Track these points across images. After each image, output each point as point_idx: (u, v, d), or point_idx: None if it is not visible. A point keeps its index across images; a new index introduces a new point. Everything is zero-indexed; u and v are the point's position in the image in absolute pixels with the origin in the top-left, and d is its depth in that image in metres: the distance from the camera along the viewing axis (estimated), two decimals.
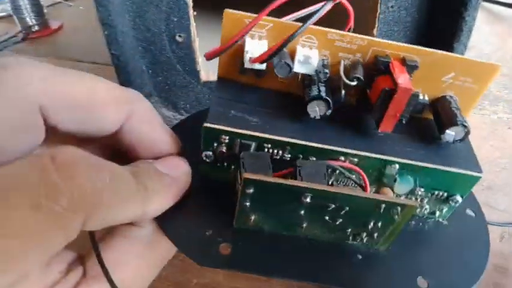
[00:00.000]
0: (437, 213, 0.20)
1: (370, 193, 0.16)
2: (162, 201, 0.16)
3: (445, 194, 0.19)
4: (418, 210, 0.20)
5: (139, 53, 0.30)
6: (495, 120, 0.40)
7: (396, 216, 0.15)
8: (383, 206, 0.15)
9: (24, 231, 0.12)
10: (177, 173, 0.17)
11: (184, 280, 0.24)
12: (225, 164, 0.19)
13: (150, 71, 0.31)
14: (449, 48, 0.29)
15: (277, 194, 0.16)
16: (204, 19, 0.33)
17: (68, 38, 0.53)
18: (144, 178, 0.16)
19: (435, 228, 0.20)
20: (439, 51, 0.17)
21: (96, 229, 0.14)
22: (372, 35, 0.28)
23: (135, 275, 0.17)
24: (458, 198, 0.19)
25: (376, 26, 0.26)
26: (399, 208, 0.15)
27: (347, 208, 0.16)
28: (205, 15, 0.34)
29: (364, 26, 0.18)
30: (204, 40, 0.31)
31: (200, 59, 0.31)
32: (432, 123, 0.19)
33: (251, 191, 0.15)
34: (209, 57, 0.19)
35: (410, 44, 0.18)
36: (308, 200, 0.15)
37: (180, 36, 0.30)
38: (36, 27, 0.52)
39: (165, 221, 0.17)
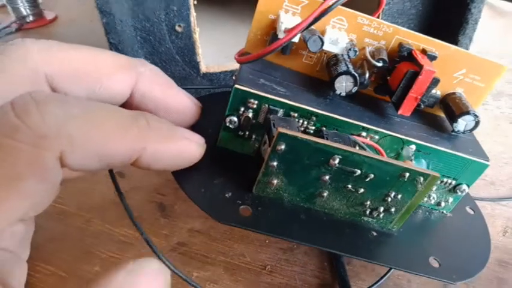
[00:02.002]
0: (443, 204, 0.21)
1: (397, 161, 0.16)
2: (166, 142, 0.15)
3: (453, 182, 0.20)
4: (425, 199, 0.21)
5: (138, 43, 0.30)
6: (498, 115, 0.40)
7: (420, 185, 0.16)
8: (408, 174, 0.16)
9: None
10: (189, 134, 0.17)
11: (185, 273, 0.23)
12: (247, 133, 0.19)
13: (149, 61, 0.31)
14: (454, 41, 0.30)
15: (307, 154, 0.16)
16: (204, 9, 0.33)
17: (63, 29, 0.52)
18: (150, 118, 0.15)
19: (440, 219, 0.21)
20: (453, 46, 0.19)
21: (89, 166, 0.13)
22: None
23: None
24: (465, 187, 0.20)
25: (381, 18, 0.28)
26: (422, 178, 0.16)
27: (372, 176, 0.16)
28: (206, 5, 0.34)
29: None
30: (204, 31, 0.31)
31: (200, 50, 0.31)
32: (442, 119, 0.21)
33: (282, 147, 0.15)
34: (243, 61, 0.19)
35: None
36: (337, 162, 0.16)
37: (179, 26, 0.30)
38: (31, 18, 0.51)
39: (184, 181, 0.17)
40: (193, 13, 0.30)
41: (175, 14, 0.30)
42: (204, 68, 0.33)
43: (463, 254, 0.19)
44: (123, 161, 0.14)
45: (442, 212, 0.21)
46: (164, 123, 0.16)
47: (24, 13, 0.51)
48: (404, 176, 0.16)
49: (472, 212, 0.22)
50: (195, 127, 0.19)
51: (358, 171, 0.16)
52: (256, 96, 0.17)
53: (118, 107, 0.15)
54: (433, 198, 0.20)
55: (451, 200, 0.21)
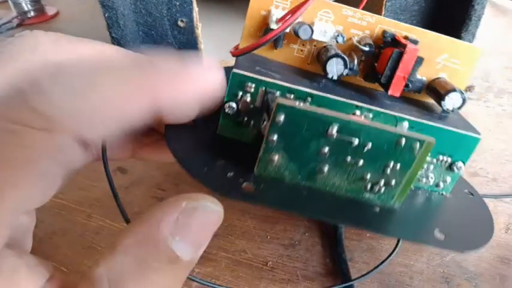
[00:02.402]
0: (442, 184, 0.21)
1: (392, 127, 0.17)
2: (183, 82, 0.14)
3: (449, 160, 0.20)
4: (424, 180, 0.21)
5: (140, 38, 0.30)
6: (500, 112, 0.40)
7: (416, 151, 0.16)
8: (404, 141, 0.16)
9: (2, 156, 0.11)
10: (204, 62, 0.16)
11: None
12: (246, 118, 0.19)
13: None
14: (457, 37, 0.28)
15: (305, 124, 0.16)
16: (206, 4, 0.34)
17: (64, 25, 0.53)
18: (155, 60, 0.14)
19: (440, 199, 0.21)
20: (432, 32, 0.21)
21: (110, 132, 0.13)
22: None
23: None
24: (461, 164, 0.20)
25: (383, 14, 0.29)
26: (418, 143, 0.16)
27: (369, 144, 0.17)
28: (208, 0, 0.35)
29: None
30: (206, 26, 0.32)
31: (202, 45, 0.32)
32: (431, 104, 0.22)
33: (281, 118, 0.16)
34: (238, 54, 0.20)
35: None
36: (334, 131, 0.16)
37: (182, 21, 0.30)
38: (32, 13, 0.52)
39: (186, 161, 0.17)
40: (195, 8, 0.31)
41: (178, 9, 0.30)
42: None
43: (467, 229, 0.19)
44: (142, 118, 0.14)
45: (442, 194, 0.21)
46: (171, 61, 0.15)
47: (26, 8, 0.52)
48: (401, 143, 0.16)
49: (470, 196, 0.22)
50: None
51: (356, 140, 0.16)
52: (253, 80, 0.18)
53: (118, 60, 0.14)
54: (431, 178, 0.21)
55: (449, 179, 0.21)
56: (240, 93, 0.19)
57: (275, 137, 0.17)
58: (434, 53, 0.21)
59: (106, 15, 0.27)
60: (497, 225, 0.28)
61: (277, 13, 0.20)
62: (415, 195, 0.21)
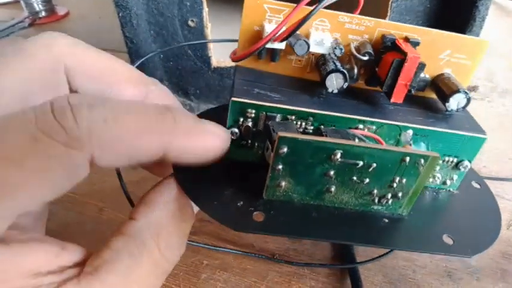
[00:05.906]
0: (448, 182, 0.21)
1: (396, 147, 0.17)
2: (194, 139, 0.16)
3: (455, 160, 0.20)
4: (431, 180, 0.21)
5: (151, 37, 0.30)
6: (503, 112, 0.41)
7: (421, 167, 0.16)
8: (408, 158, 0.16)
9: (24, 159, 0.12)
10: (214, 128, 0.17)
11: (195, 261, 0.23)
12: (250, 141, 0.19)
13: (162, 55, 0.32)
14: None
15: (309, 153, 0.16)
16: (216, 4, 0.34)
17: (75, 24, 0.54)
18: (176, 112, 0.15)
19: (448, 197, 0.21)
20: (434, 30, 0.20)
21: (117, 164, 0.14)
22: None
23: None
24: (467, 163, 0.20)
25: (389, 15, 0.28)
26: (423, 160, 0.16)
27: (374, 165, 0.17)
28: (218, 0, 0.35)
29: (376, 16, 0.19)
30: (216, 26, 0.32)
31: (212, 45, 0.32)
32: (435, 101, 0.21)
33: (284, 150, 0.16)
34: (236, 59, 0.20)
35: None
36: (338, 157, 0.16)
37: (192, 21, 0.30)
38: (43, 13, 0.53)
39: (196, 196, 0.18)
40: (205, 8, 0.31)
41: (188, 9, 0.30)
42: (215, 62, 0.34)
43: (475, 228, 0.19)
44: (150, 158, 0.15)
45: (449, 191, 0.21)
46: (190, 117, 0.16)
47: (37, 8, 0.54)
48: (406, 161, 0.16)
49: (478, 186, 0.22)
50: None
51: (361, 163, 0.17)
52: (253, 106, 0.18)
53: (145, 105, 0.15)
54: (438, 178, 0.21)
55: (455, 177, 0.21)
56: (242, 119, 0.18)
57: (280, 167, 0.17)
58: (437, 50, 0.20)
59: (120, 14, 0.27)
60: None
61: (270, 28, 0.19)
62: (423, 196, 0.21)
